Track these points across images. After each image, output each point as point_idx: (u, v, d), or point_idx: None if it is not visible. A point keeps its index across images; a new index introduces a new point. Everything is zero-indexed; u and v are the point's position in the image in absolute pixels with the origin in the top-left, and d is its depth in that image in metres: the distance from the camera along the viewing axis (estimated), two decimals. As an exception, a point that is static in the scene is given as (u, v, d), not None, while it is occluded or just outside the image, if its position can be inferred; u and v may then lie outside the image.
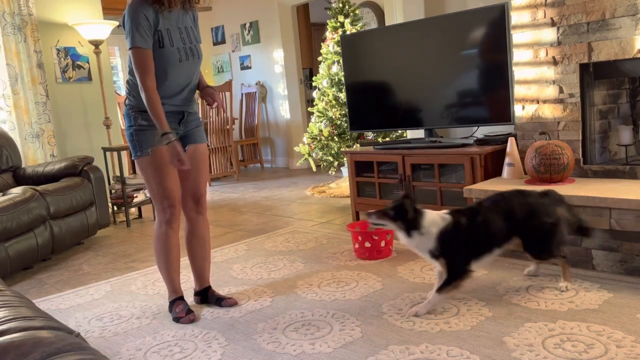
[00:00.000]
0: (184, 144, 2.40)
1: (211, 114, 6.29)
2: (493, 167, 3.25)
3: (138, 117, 2.30)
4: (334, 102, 4.92)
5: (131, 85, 2.31)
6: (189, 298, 2.56)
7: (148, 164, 2.32)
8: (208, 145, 2.49)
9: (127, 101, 2.35)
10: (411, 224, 2.20)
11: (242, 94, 7.45)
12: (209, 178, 2.59)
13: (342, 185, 5.31)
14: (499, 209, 2.28)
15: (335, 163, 5.05)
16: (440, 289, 2.21)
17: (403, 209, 2.22)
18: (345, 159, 4.84)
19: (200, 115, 2.55)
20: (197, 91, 2.49)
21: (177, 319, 2.38)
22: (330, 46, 5.02)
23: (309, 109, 5.52)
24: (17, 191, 3.42)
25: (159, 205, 2.37)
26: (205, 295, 2.57)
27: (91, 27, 4.59)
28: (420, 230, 2.20)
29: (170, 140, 2.18)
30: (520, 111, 3.13)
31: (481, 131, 3.72)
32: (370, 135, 4.87)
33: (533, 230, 2.28)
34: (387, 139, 4.77)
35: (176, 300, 2.46)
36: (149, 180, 2.36)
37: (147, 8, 2.16)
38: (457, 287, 2.22)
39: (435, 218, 2.24)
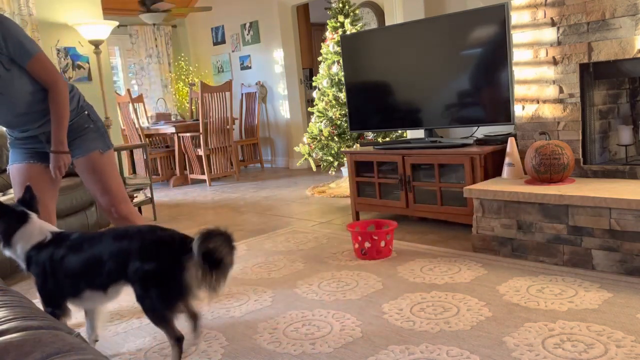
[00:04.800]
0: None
1: (211, 114, 6.29)
2: (493, 167, 3.25)
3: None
4: (334, 102, 4.92)
5: None
6: None
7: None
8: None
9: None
10: (5, 234, 1.91)
11: (242, 94, 7.44)
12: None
13: (342, 185, 5.31)
14: (112, 243, 1.88)
15: (335, 163, 5.05)
16: None
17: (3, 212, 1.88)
18: (345, 159, 4.84)
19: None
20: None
21: None
22: (330, 46, 5.02)
23: (309, 109, 5.52)
24: (17, 191, 3.42)
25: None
26: None
27: (91, 27, 4.59)
28: (9, 243, 1.89)
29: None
30: (520, 111, 3.13)
31: (481, 131, 3.72)
32: (370, 135, 4.87)
33: (138, 278, 1.81)
34: (387, 139, 4.77)
35: None
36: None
37: None
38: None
39: (33, 232, 1.91)
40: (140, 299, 1.83)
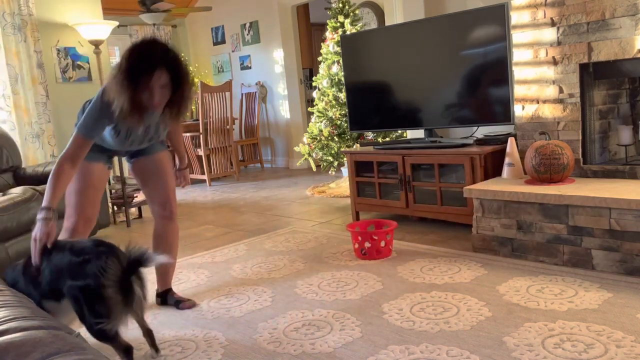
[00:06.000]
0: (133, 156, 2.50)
1: (211, 114, 6.29)
2: (493, 167, 3.25)
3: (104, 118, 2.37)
4: (334, 102, 4.92)
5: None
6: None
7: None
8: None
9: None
10: None
11: (242, 94, 7.44)
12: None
13: (342, 185, 5.31)
14: (56, 257, 1.93)
15: (335, 163, 5.05)
16: None
17: None
18: (345, 159, 4.84)
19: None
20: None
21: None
22: (330, 46, 5.02)
23: (309, 109, 5.52)
24: (17, 191, 3.42)
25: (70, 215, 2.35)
26: (165, 297, 2.61)
27: (91, 27, 4.59)
28: None
29: (44, 218, 1.98)
30: (520, 111, 3.13)
31: (481, 131, 3.72)
32: (370, 135, 4.87)
33: (73, 296, 1.83)
34: (387, 139, 4.77)
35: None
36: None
37: (111, 116, 2.07)
38: None
39: None
40: (78, 315, 1.85)
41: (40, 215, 1.98)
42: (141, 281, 1.90)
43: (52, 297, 1.91)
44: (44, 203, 2.01)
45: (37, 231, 1.95)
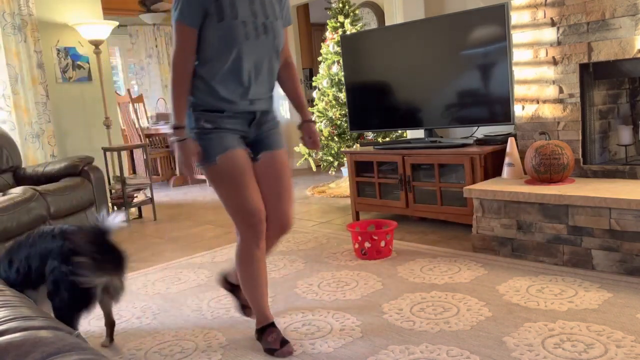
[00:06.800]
0: (256, 151, 1.99)
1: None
2: (493, 167, 3.25)
3: (200, 118, 1.89)
4: (334, 102, 4.92)
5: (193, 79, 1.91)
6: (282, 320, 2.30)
7: (217, 175, 1.91)
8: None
9: (190, 98, 1.91)
10: None
11: (242, 94, 7.44)
12: (291, 192, 2.08)
13: (342, 185, 5.31)
14: (29, 246, 2.00)
15: (335, 163, 5.05)
16: None
17: None
18: (345, 159, 4.84)
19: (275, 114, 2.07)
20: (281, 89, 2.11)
21: (270, 351, 1.99)
22: (330, 46, 5.02)
23: (309, 109, 5.51)
24: (17, 191, 3.42)
25: (240, 223, 1.94)
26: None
27: (91, 27, 4.59)
28: None
29: (182, 138, 1.82)
30: (520, 111, 3.13)
31: (481, 131, 3.72)
32: (370, 135, 4.87)
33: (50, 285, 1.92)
34: (387, 139, 4.77)
35: (267, 327, 2.05)
36: (222, 194, 1.94)
37: None
38: None
39: None
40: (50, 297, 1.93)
41: (174, 138, 1.81)
42: (118, 276, 2.02)
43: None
44: (174, 122, 1.81)
45: (180, 159, 1.81)
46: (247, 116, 1.94)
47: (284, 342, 2.00)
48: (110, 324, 2.20)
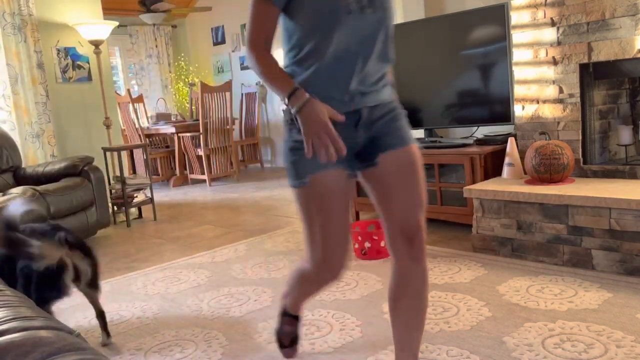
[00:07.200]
0: (372, 155, 1.55)
1: (211, 114, 6.28)
2: (493, 167, 3.25)
3: (293, 129, 1.48)
4: (334, 102, 4.91)
5: None
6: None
7: (305, 198, 1.54)
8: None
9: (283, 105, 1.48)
10: None
11: (242, 94, 7.44)
12: (423, 200, 1.54)
13: (342, 185, 5.31)
14: None
15: (336, 163, 5.04)
16: None
17: None
18: (345, 159, 4.83)
19: (394, 102, 1.56)
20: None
21: (278, 336, 1.93)
22: (330, 46, 5.01)
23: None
24: (17, 191, 3.43)
25: (313, 259, 1.69)
26: None
27: (91, 27, 4.59)
28: None
29: (304, 102, 1.37)
30: (520, 111, 3.13)
31: (481, 131, 3.72)
32: (370, 135, 4.86)
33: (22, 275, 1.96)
34: (387, 139, 4.76)
35: (293, 316, 1.90)
36: (304, 218, 1.61)
37: None
38: None
39: None
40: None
41: (295, 108, 1.38)
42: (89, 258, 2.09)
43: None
44: (285, 92, 1.39)
45: (313, 126, 1.37)
46: (351, 117, 1.46)
47: (294, 340, 1.92)
48: (99, 314, 2.21)
